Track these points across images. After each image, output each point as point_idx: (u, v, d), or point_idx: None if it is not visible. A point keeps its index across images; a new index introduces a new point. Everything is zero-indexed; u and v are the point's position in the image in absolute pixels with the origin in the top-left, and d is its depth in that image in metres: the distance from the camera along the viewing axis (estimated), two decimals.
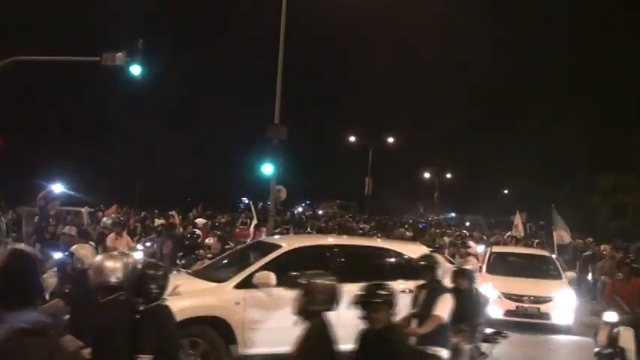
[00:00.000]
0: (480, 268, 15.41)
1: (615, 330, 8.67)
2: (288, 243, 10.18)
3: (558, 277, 14.54)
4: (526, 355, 11.69)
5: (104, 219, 18.29)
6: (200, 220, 18.37)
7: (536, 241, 21.41)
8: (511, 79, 62.44)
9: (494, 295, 13.81)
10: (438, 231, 31.03)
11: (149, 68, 19.27)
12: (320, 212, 46.39)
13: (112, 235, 14.03)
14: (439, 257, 7.17)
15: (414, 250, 9.60)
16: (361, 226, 30.03)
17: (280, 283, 8.44)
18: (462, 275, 7.94)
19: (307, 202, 56.78)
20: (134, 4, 47.43)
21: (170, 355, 4.83)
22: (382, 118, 59.10)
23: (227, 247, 14.39)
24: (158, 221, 21.06)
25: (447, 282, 7.58)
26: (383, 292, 5.06)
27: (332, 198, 56.63)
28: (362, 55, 72.82)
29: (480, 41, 62.71)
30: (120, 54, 18.22)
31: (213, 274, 9.37)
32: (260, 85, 36.34)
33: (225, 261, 10.51)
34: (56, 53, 22.01)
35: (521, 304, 13.65)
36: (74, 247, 7.52)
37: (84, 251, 7.26)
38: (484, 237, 26.38)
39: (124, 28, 36.84)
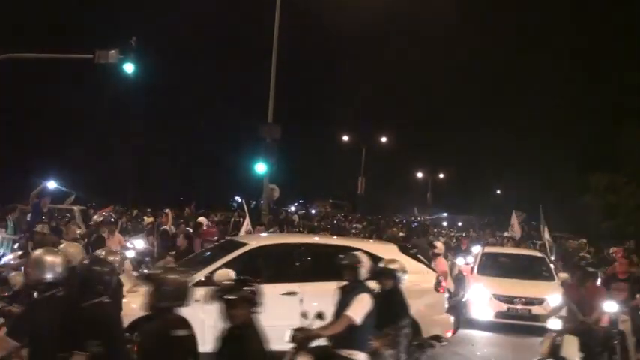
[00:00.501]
0: (472, 269, 15.31)
1: (559, 338, 8.16)
2: (254, 241, 10.21)
3: (551, 278, 14.17)
4: (509, 358, 11.57)
5: (94, 217, 18.21)
6: (203, 220, 18.29)
7: (539, 242, 20.77)
8: (502, 79, 62.66)
9: (485, 296, 13.72)
10: (436, 231, 31.20)
11: (142, 66, 19.22)
12: (313, 212, 46.41)
13: (105, 233, 13.95)
14: (363, 256, 6.70)
15: (384, 250, 9.47)
16: (354, 225, 30.05)
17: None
18: (385, 275, 7.37)
19: (300, 201, 56.78)
20: (128, 2, 47.35)
21: (111, 352, 4.65)
22: (375, 118, 59.18)
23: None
24: (147, 219, 20.97)
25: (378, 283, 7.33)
26: (240, 289, 4.90)
27: (325, 197, 56.69)
28: (355, 54, 72.84)
29: (471, 42, 62.86)
30: (113, 52, 18.17)
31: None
32: (253, 85, 36.30)
33: (192, 259, 10.46)
34: (49, 50, 21.89)
35: (512, 306, 13.39)
36: (62, 245, 7.52)
37: (72, 250, 7.27)
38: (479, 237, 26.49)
39: (118, 26, 36.78)
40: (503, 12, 63.53)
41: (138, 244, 14.86)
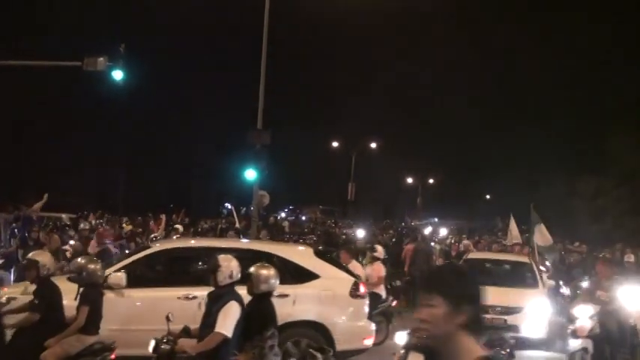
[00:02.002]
0: None
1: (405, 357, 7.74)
2: (159, 245, 10.27)
3: (534, 285, 13.48)
4: None
5: (81, 225, 18.18)
6: (178, 227, 18.28)
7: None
8: (492, 85, 62.94)
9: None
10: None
11: (131, 73, 19.17)
12: (303, 218, 46.39)
13: (94, 241, 13.92)
14: (225, 260, 6.29)
15: (298, 254, 9.33)
16: (344, 231, 30.06)
17: (139, 284, 8.57)
18: (259, 277, 6.65)
19: (290, 207, 56.75)
20: (117, 8, 47.25)
21: None
22: (365, 124, 59.23)
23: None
24: (127, 227, 20.91)
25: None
26: None
27: (315, 204, 56.68)
28: (345, 60, 72.93)
29: (461, 48, 63.12)
30: (101, 59, 18.12)
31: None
32: (243, 89, 36.30)
33: (107, 259, 10.39)
34: (37, 58, 21.81)
35: (486, 315, 12.31)
36: (32, 253, 7.65)
37: (42, 258, 7.40)
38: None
39: (106, 33, 36.70)
40: (492, 16, 63.92)
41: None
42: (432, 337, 2.76)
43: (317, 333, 8.55)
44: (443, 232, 40.83)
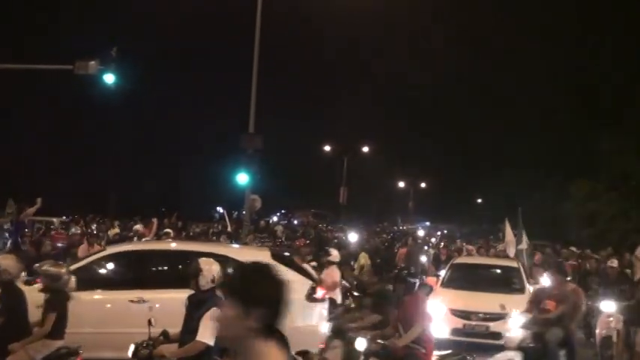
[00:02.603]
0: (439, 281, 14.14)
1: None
2: (113, 248, 10.28)
3: (521, 290, 12.92)
4: None
5: (72, 229, 18.12)
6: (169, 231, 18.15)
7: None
8: (485, 90, 63.13)
9: (442, 311, 12.07)
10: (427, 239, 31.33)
11: (123, 76, 19.12)
12: (295, 222, 46.32)
13: (84, 245, 13.86)
14: (207, 264, 6.26)
15: (254, 256, 9.22)
16: (336, 235, 30.04)
17: (90, 287, 8.50)
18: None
19: (282, 211, 56.70)
20: (108, 12, 47.18)
21: None
22: (356, 128, 59.35)
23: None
24: (113, 231, 20.78)
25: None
26: None
27: (307, 208, 56.64)
28: (337, 64, 73.09)
29: (453, 51, 63.30)
30: (93, 62, 18.08)
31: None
32: (235, 94, 36.31)
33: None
34: (28, 61, 21.76)
35: (468, 322, 11.94)
36: None
37: (6, 262, 7.37)
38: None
39: (98, 37, 36.62)
40: (485, 18, 64.19)
41: None
42: (224, 338, 2.74)
43: None
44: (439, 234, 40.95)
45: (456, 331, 11.87)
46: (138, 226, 18.13)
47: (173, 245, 11.38)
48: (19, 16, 45.09)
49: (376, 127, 62.65)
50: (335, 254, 12.19)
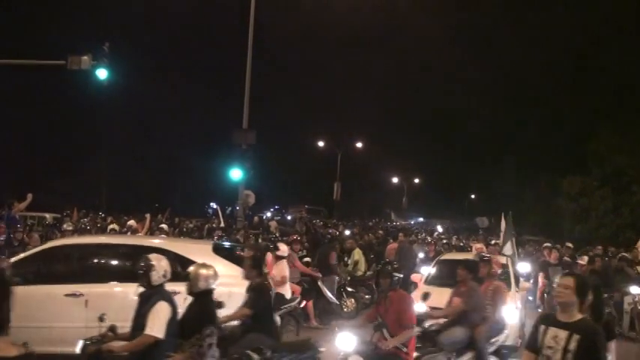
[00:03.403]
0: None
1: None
2: (55, 241, 10.26)
3: (507, 287, 11.99)
4: None
5: (64, 225, 18.00)
6: (163, 226, 18.10)
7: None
8: (480, 87, 63.25)
9: (422, 310, 11.19)
10: (424, 236, 31.33)
11: (115, 72, 19.03)
12: (289, 217, 46.31)
13: None
14: (158, 259, 6.21)
15: (195, 252, 9.05)
16: (330, 231, 30.03)
17: (27, 281, 8.39)
18: (197, 276, 6.50)
19: (276, 207, 56.68)
20: (101, 7, 46.97)
21: None
22: (350, 124, 59.39)
23: None
24: (111, 226, 20.72)
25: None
26: None
27: (301, 203, 56.64)
28: (331, 60, 72.98)
29: (449, 49, 63.39)
30: (85, 57, 17.97)
31: None
32: (229, 90, 36.24)
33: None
34: (21, 56, 21.63)
35: (437, 321, 11.60)
36: None
37: None
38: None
39: (91, 32, 36.48)
40: (481, 15, 64.24)
41: None
42: None
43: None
44: (439, 229, 40.84)
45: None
46: (131, 222, 18.07)
47: (113, 239, 11.17)
48: (11, 11, 44.85)
49: (370, 122, 62.71)
50: (283, 249, 12.06)
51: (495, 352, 8.13)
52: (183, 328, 6.15)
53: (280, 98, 57.41)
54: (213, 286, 6.57)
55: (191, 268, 6.64)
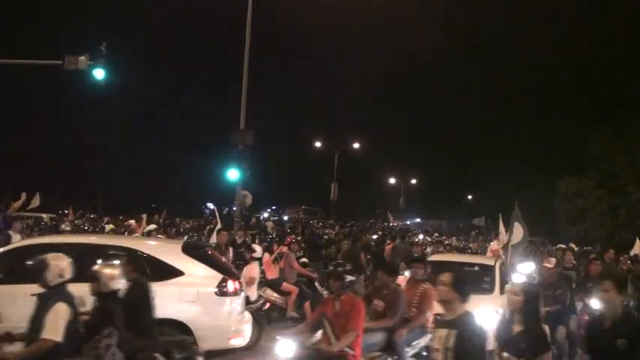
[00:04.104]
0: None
1: None
2: (19, 242, 10.28)
3: (490, 290, 11.77)
4: None
5: (62, 225, 18.04)
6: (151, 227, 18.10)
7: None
8: (477, 88, 63.34)
9: None
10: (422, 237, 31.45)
11: (112, 72, 19.02)
12: (285, 218, 46.35)
13: None
14: (54, 259, 5.91)
15: (163, 250, 9.09)
16: (327, 231, 30.07)
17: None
18: (102, 276, 6.20)
19: (273, 207, 56.70)
20: (98, 8, 46.91)
21: None
22: (347, 125, 59.42)
23: None
24: (109, 227, 20.73)
25: None
26: None
27: (298, 203, 56.67)
28: (327, 61, 73.03)
29: (449, 50, 63.46)
30: (82, 57, 17.98)
31: None
32: (226, 90, 36.24)
33: None
34: (18, 56, 21.61)
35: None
36: None
37: None
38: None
39: (88, 32, 36.44)
40: (480, 17, 64.34)
41: None
42: None
43: (178, 331, 8.16)
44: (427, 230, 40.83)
45: None
46: (131, 221, 18.09)
47: (81, 239, 11.13)
48: (8, 11, 44.76)
49: (367, 123, 62.79)
50: (259, 250, 12.01)
51: (416, 356, 7.83)
52: (85, 330, 5.90)
53: (278, 99, 57.43)
54: (118, 287, 6.29)
55: (95, 268, 6.36)
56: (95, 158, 49.26)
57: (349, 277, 6.77)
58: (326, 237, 25.23)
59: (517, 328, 4.57)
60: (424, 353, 7.84)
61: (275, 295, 12.44)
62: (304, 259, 15.45)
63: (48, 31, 43.00)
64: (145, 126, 53.36)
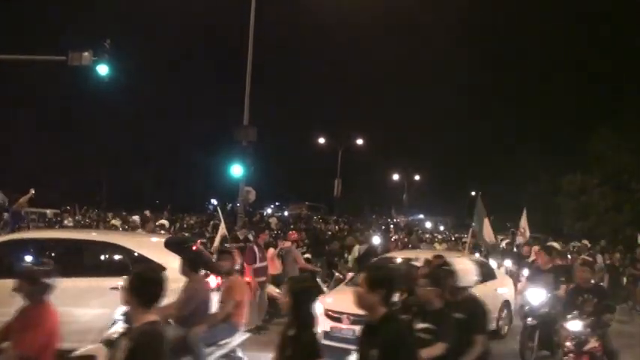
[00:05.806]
0: None
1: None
2: (15, 235, 10.31)
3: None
4: None
5: (65, 221, 18.13)
6: (163, 221, 18.18)
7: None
8: (481, 84, 63.21)
9: (318, 311, 9.48)
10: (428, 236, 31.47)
11: (116, 68, 19.04)
12: (286, 214, 46.34)
13: None
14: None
15: (146, 245, 9.12)
16: (329, 227, 30.08)
17: None
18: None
19: (277, 203, 56.70)
20: (102, 4, 46.94)
21: None
22: (351, 120, 59.41)
23: None
24: (114, 222, 20.77)
25: None
26: None
27: (301, 200, 56.63)
28: (331, 57, 72.96)
29: (451, 47, 63.34)
30: (86, 53, 18.01)
31: None
32: (229, 86, 36.26)
33: None
34: (22, 52, 21.64)
35: (336, 325, 10.00)
36: None
37: None
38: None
39: (92, 28, 36.47)
40: (480, 14, 64.18)
41: None
42: None
43: None
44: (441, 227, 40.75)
45: (325, 335, 9.77)
46: (136, 217, 18.17)
47: (64, 234, 11.16)
48: (12, 7, 44.83)
49: (371, 119, 62.74)
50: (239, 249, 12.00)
51: (227, 356, 7.47)
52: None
53: (281, 94, 57.44)
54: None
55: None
56: (98, 154, 49.42)
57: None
58: (329, 232, 25.27)
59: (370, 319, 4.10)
60: (239, 355, 7.66)
61: (277, 290, 12.48)
62: (307, 255, 15.50)
63: (52, 27, 43.07)
64: (148, 122, 53.42)
